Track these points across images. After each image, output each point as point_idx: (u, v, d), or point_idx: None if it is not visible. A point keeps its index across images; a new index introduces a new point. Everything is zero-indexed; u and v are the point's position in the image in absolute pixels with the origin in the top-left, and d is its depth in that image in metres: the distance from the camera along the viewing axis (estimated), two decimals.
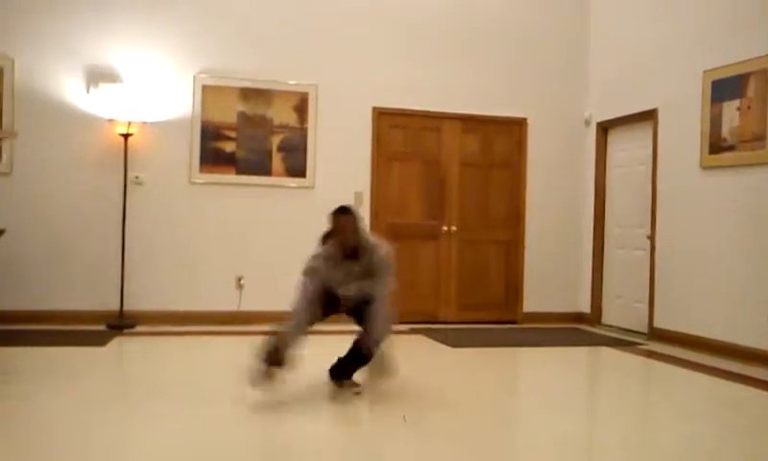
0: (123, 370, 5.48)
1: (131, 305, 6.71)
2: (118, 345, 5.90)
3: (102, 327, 6.48)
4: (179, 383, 4.64)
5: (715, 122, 6.12)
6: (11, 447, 3.25)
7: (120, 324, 6.55)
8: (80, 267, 6.71)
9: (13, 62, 6.56)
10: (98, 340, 5.90)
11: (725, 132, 6.03)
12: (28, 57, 6.61)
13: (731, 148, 5.98)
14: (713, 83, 6.14)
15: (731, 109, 5.97)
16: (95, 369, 5.06)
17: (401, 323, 7.19)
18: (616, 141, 7.67)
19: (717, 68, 6.10)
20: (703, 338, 6.14)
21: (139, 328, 6.55)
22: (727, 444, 3.66)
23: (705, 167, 6.25)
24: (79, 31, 6.74)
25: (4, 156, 6.51)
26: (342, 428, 3.80)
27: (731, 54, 5.98)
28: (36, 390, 4.28)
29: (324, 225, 7.23)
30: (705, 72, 6.23)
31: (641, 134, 7.18)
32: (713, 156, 6.15)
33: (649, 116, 6.97)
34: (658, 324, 6.74)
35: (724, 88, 6.03)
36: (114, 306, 6.66)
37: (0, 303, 6.39)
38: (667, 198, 6.71)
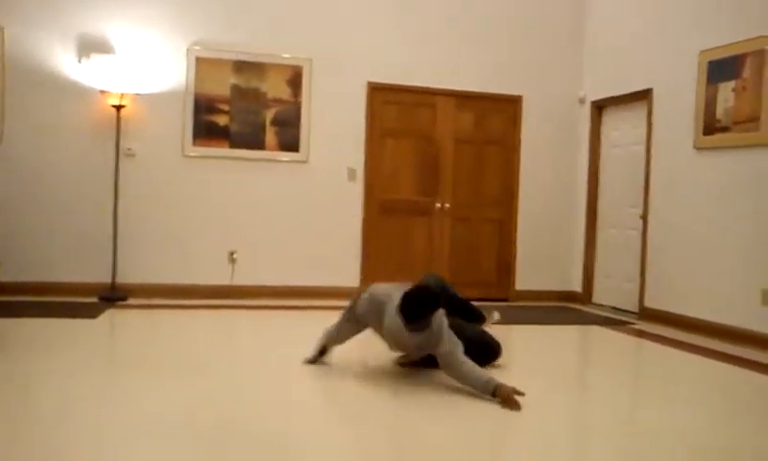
0: (114, 342, 5.48)
1: (123, 278, 6.70)
2: (110, 317, 5.90)
3: (94, 300, 6.47)
4: (170, 356, 4.64)
5: (710, 103, 6.11)
6: (1, 416, 3.26)
7: (112, 296, 6.54)
8: (71, 239, 6.68)
9: (3, 31, 6.47)
10: (90, 312, 5.89)
11: (719, 113, 6.02)
12: (18, 26, 6.52)
13: (725, 129, 5.98)
14: (709, 63, 6.12)
15: (726, 90, 5.96)
16: (87, 341, 5.06)
17: None
18: (611, 121, 7.66)
19: (713, 49, 6.08)
20: (693, 318, 6.18)
21: (131, 301, 6.55)
22: (716, 424, 3.70)
23: (698, 148, 6.26)
24: (71, 0, 6.65)
25: None
26: (332, 401, 3.82)
27: (727, 34, 5.96)
28: (27, 361, 4.28)
29: (317, 200, 7.26)
30: (701, 52, 6.21)
31: (636, 114, 7.17)
32: (707, 137, 6.15)
33: (644, 96, 6.96)
34: (648, 303, 6.78)
35: (720, 69, 6.02)
36: (106, 279, 6.65)
37: None
38: (661, 178, 6.72)
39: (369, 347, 4.69)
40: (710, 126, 6.11)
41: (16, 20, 6.52)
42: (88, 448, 2.97)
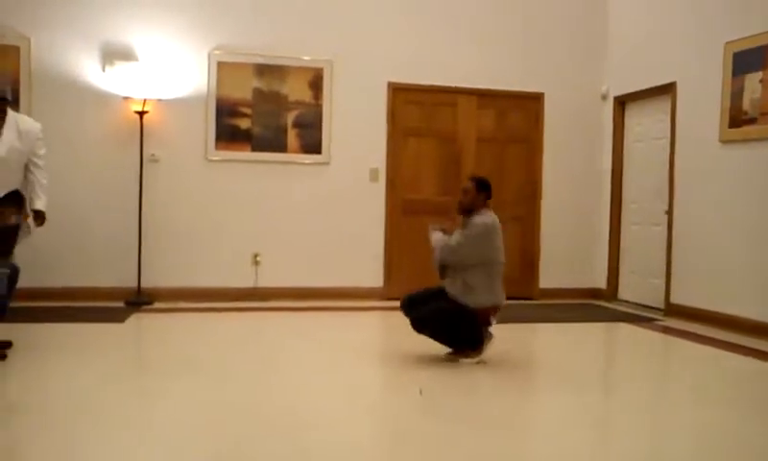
0: (141, 346, 5.54)
1: (148, 282, 6.76)
2: (136, 321, 5.96)
3: (120, 304, 6.54)
4: (196, 359, 4.67)
5: (736, 95, 6.02)
6: (31, 421, 3.30)
7: (138, 300, 6.61)
8: (98, 245, 6.76)
9: (30, 41, 6.57)
10: (117, 317, 5.96)
11: (746, 104, 5.93)
12: (44, 36, 6.62)
13: (752, 121, 5.89)
14: (735, 54, 6.03)
15: (752, 82, 5.87)
16: (114, 345, 5.12)
17: None
18: (634, 115, 7.58)
19: (739, 40, 5.99)
20: (720, 314, 6.09)
21: (157, 305, 6.61)
22: (746, 420, 3.64)
23: (724, 141, 6.17)
24: (94, 9, 6.73)
25: None
26: (358, 401, 3.83)
27: (752, 25, 5.86)
28: (57, 366, 4.34)
29: (340, 202, 7.28)
30: (726, 44, 6.12)
31: (659, 108, 7.09)
32: (733, 129, 6.06)
33: (667, 90, 6.88)
34: (674, 299, 6.70)
35: (745, 60, 5.93)
36: (132, 283, 6.72)
37: (20, 280, 6.45)
38: (685, 173, 6.64)
39: (392, 347, 4.69)
40: (736, 118, 6.02)
41: (43, 31, 6.61)
42: (118, 449, 3.00)
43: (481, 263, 4.50)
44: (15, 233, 4.65)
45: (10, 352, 4.45)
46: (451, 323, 4.49)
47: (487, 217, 4.59)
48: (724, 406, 3.87)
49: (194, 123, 6.95)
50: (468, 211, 4.65)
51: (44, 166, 4.89)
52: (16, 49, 6.54)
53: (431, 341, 4.64)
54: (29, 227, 4.87)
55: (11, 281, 4.50)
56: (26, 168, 4.81)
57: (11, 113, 4.78)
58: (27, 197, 4.81)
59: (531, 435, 3.45)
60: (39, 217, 4.84)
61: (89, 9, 6.72)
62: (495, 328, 5.91)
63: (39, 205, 4.81)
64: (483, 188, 4.69)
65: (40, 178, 4.84)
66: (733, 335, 5.73)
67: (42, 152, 4.90)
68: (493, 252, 4.55)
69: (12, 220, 4.61)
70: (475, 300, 4.48)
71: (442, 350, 4.64)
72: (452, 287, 4.53)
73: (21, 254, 4.90)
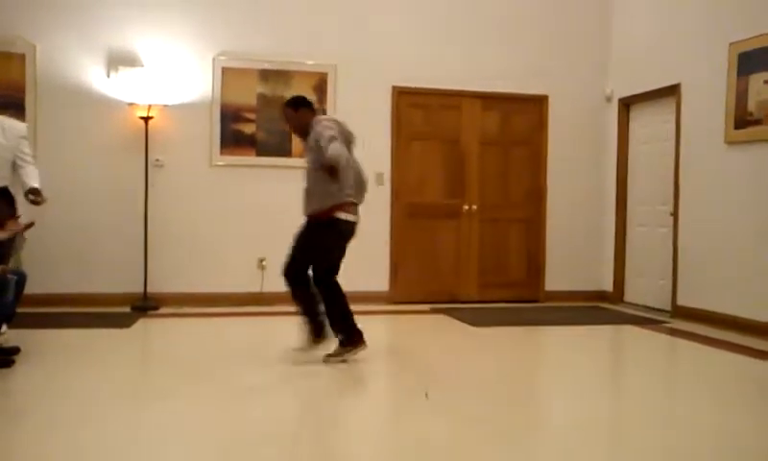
0: (147, 351, 5.55)
1: (154, 288, 6.78)
2: (143, 326, 5.97)
3: (126, 310, 6.55)
4: (202, 364, 4.68)
5: (741, 96, 6.01)
6: (37, 426, 3.31)
7: (144, 306, 6.62)
8: (104, 251, 6.78)
9: (35, 48, 6.60)
10: (123, 322, 5.97)
11: (751, 105, 5.92)
12: (50, 42, 6.65)
13: (757, 122, 5.87)
14: (740, 55, 6.02)
15: (758, 82, 5.85)
16: (120, 350, 5.13)
17: (423, 302, 7.21)
18: (639, 117, 7.57)
19: (744, 40, 5.98)
20: (727, 315, 6.07)
21: (163, 310, 6.62)
22: (753, 422, 3.63)
23: (730, 142, 6.15)
24: (99, 16, 6.76)
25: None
26: (363, 404, 3.83)
27: (757, 25, 5.85)
28: (63, 371, 4.34)
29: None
30: (731, 44, 6.11)
31: (664, 110, 7.07)
32: (739, 131, 6.04)
33: (672, 91, 6.87)
34: (681, 301, 6.68)
35: (751, 61, 5.91)
36: (138, 289, 6.73)
37: (27, 286, 6.47)
38: (691, 174, 6.62)
39: (398, 355, 4.69)
40: (742, 119, 6.01)
41: (48, 38, 6.64)
42: (124, 455, 3.00)
43: (323, 168, 4.61)
44: (9, 245, 4.61)
45: (17, 358, 4.46)
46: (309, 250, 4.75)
47: (317, 127, 4.66)
48: (732, 408, 3.85)
49: (199, 128, 6.97)
50: (305, 133, 4.78)
51: (33, 163, 4.91)
52: (22, 57, 6.57)
53: (435, 346, 4.63)
54: (23, 238, 4.85)
55: (18, 288, 4.52)
56: (14, 166, 4.81)
57: None
58: (15, 195, 4.77)
59: (538, 439, 3.44)
60: (37, 194, 4.78)
61: (94, 15, 6.75)
62: (501, 331, 5.91)
63: (34, 182, 4.77)
64: (296, 105, 4.82)
65: (31, 168, 4.86)
66: (741, 337, 5.71)
67: (28, 150, 4.92)
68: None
69: (8, 228, 4.54)
70: (330, 201, 4.75)
71: (443, 352, 4.63)
72: (309, 207, 4.88)
73: (28, 260, 4.91)
